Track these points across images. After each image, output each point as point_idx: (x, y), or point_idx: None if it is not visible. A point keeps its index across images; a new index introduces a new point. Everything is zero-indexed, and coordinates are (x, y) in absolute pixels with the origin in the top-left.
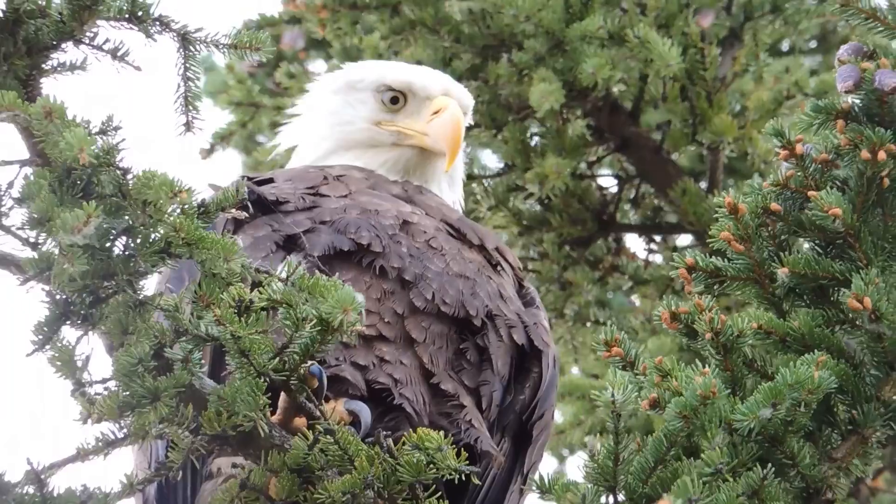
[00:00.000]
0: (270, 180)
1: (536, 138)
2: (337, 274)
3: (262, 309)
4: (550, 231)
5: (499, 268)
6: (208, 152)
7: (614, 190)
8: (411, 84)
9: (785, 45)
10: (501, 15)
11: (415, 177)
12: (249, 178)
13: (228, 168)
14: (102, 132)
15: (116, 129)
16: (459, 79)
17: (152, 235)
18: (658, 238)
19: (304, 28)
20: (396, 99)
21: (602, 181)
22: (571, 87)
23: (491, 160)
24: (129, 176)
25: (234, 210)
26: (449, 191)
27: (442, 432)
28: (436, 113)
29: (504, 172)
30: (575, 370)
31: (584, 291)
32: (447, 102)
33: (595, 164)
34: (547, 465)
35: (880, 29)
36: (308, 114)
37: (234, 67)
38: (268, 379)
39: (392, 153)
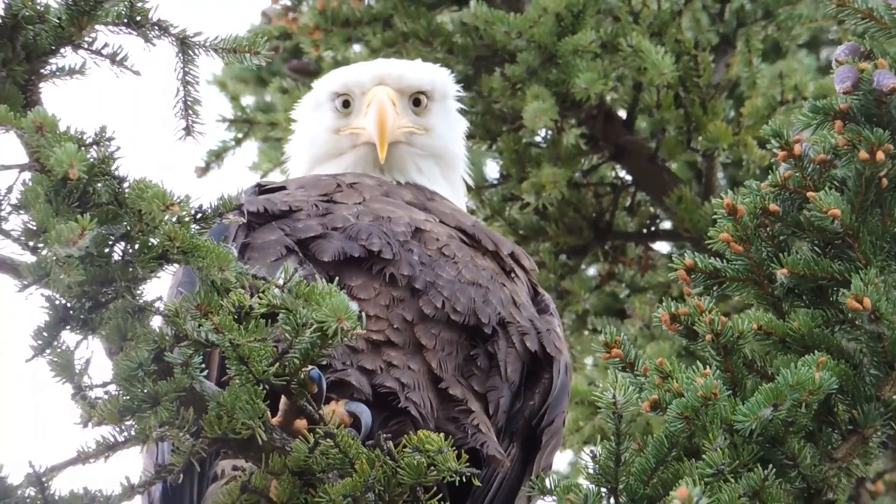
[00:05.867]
0: (283, 188)
1: (532, 148)
2: (336, 280)
3: (262, 315)
4: (547, 241)
5: (512, 274)
6: (203, 170)
7: (610, 198)
8: (347, 83)
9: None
10: (494, 29)
11: (388, 174)
12: (261, 186)
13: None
14: (96, 143)
15: (110, 139)
16: None
17: (150, 241)
18: (654, 245)
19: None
20: (347, 102)
21: (597, 189)
22: (565, 97)
23: (490, 171)
24: (125, 185)
25: (230, 216)
26: (446, 185)
27: (444, 436)
28: (371, 105)
29: (500, 183)
30: (575, 377)
31: (581, 300)
32: (376, 90)
33: (590, 173)
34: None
35: (877, 29)
36: (293, 135)
37: (227, 85)
38: (267, 385)
39: (352, 156)
